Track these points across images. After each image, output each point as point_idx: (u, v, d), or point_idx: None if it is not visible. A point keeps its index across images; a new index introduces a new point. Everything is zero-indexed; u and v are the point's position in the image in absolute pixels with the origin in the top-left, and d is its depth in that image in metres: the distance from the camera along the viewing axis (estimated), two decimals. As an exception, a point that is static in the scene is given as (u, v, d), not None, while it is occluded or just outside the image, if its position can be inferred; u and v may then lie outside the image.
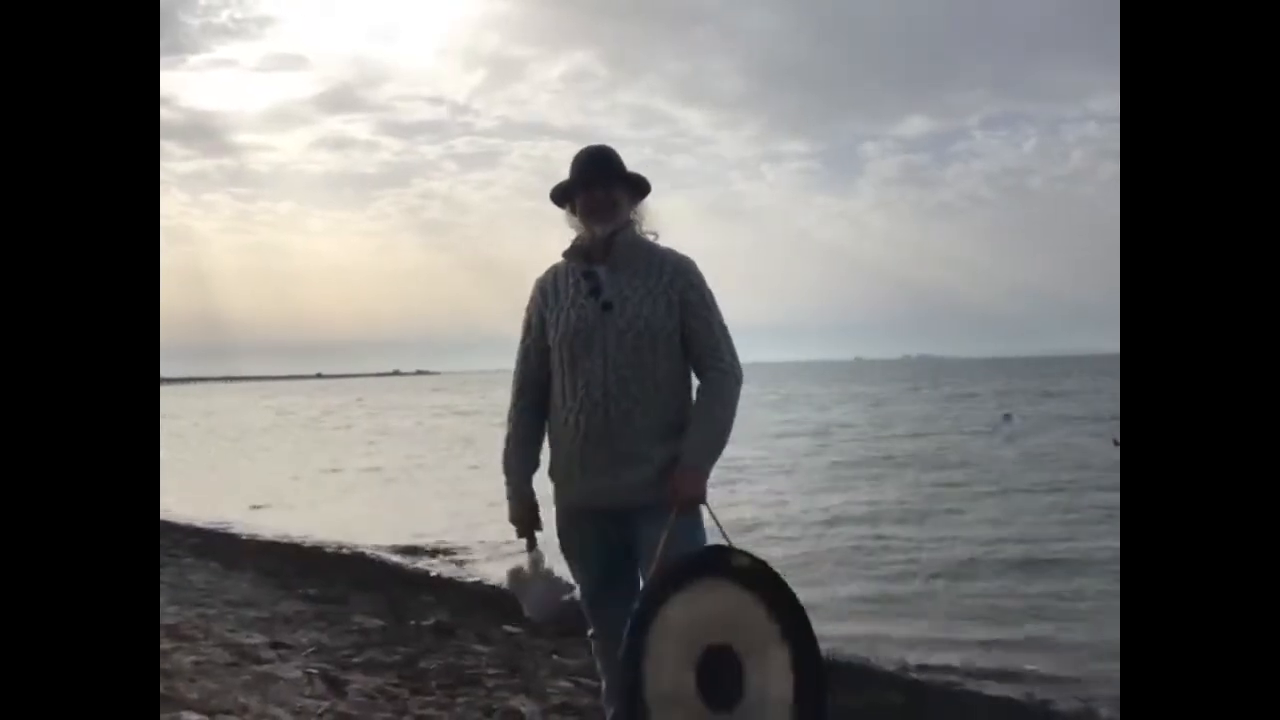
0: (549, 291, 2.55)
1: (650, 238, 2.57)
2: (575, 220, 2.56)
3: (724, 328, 2.51)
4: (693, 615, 2.22)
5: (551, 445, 2.55)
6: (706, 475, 2.41)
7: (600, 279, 2.47)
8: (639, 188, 2.58)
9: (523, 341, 2.59)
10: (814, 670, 2.22)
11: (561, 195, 2.58)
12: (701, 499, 2.39)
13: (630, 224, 2.55)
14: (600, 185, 2.51)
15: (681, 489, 2.34)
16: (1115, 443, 19.30)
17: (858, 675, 5.21)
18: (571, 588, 2.55)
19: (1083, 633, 6.07)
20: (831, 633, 6.19)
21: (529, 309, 2.59)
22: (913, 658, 5.65)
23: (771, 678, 2.20)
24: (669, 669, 2.20)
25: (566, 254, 2.57)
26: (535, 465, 2.59)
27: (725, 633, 2.22)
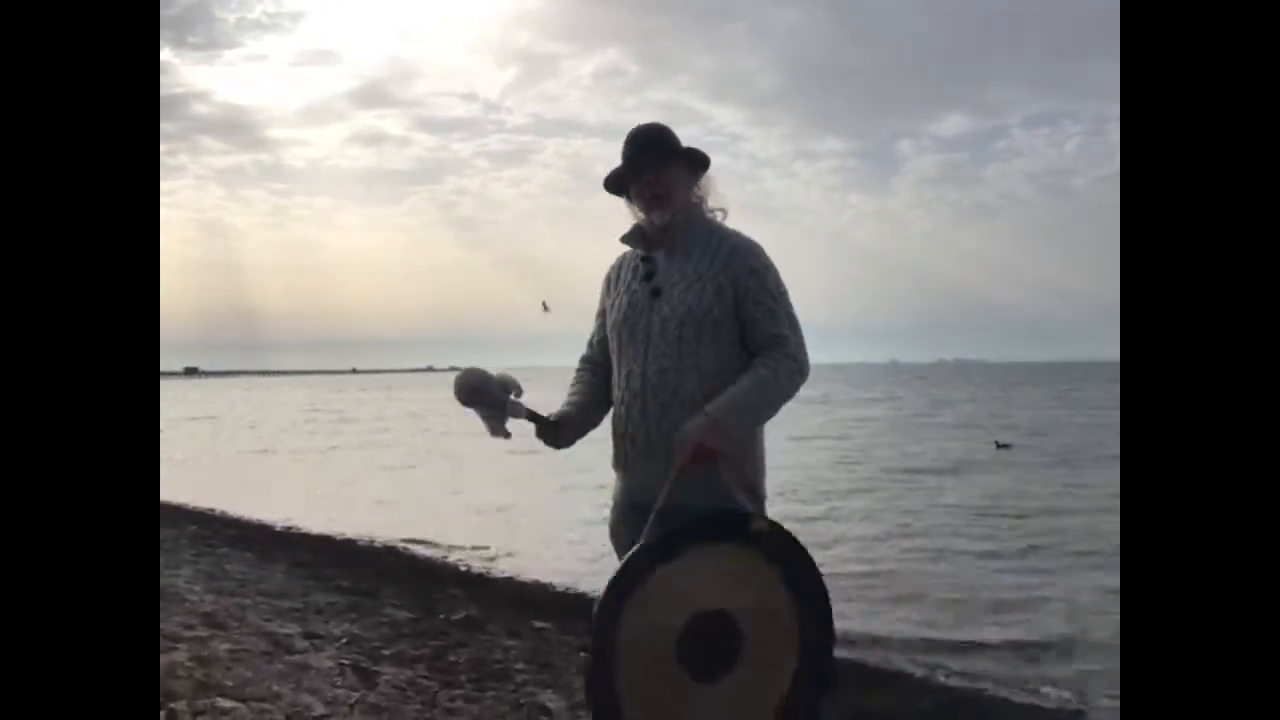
0: (612, 280, 2.45)
1: (718, 215, 2.38)
2: (634, 208, 2.38)
3: (792, 317, 2.27)
4: (694, 577, 2.03)
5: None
6: (725, 430, 2.12)
7: (657, 264, 2.33)
8: (697, 162, 2.37)
9: (594, 330, 2.49)
10: (819, 647, 2.06)
11: (617, 182, 2.40)
12: (711, 450, 2.11)
13: (693, 205, 2.36)
14: (652, 169, 2.33)
15: (691, 433, 2.11)
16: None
17: (886, 679, 5.19)
18: (519, 409, 2.28)
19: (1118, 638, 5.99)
20: (858, 630, 6.19)
21: (600, 299, 2.48)
22: (942, 661, 5.61)
23: (771, 652, 2.03)
24: (652, 632, 1.99)
25: (625, 239, 2.42)
26: (581, 410, 2.40)
27: (726, 599, 2.03)
